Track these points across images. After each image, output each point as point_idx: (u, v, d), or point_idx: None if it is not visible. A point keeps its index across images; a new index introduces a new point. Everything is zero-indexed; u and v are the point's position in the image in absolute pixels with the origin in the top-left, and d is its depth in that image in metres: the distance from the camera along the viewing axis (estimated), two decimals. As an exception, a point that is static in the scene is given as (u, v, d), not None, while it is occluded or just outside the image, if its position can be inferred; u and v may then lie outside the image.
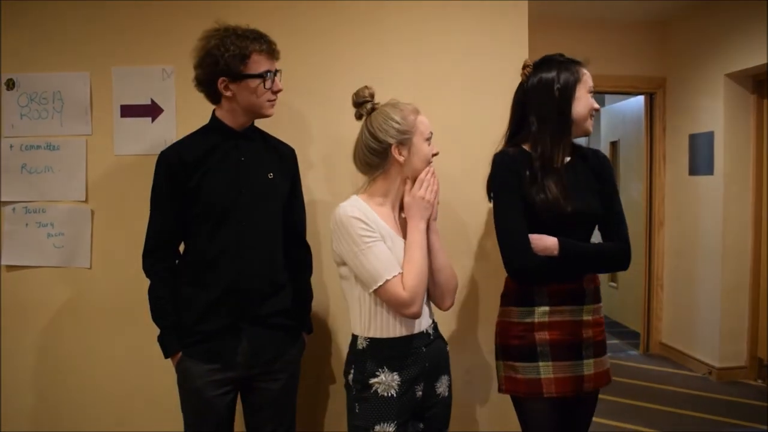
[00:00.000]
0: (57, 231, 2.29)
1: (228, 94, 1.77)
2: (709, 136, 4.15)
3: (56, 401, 2.32)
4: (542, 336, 1.74)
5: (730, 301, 4.07)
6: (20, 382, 2.31)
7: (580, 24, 4.39)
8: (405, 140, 1.62)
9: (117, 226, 2.28)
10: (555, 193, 1.69)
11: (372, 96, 1.67)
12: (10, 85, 2.27)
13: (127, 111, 2.27)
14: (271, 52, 1.79)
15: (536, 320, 1.75)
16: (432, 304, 1.76)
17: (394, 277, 1.55)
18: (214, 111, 1.87)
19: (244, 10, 2.15)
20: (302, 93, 2.25)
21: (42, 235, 2.29)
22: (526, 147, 1.78)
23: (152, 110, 2.27)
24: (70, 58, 2.27)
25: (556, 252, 1.68)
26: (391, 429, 1.58)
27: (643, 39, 4.57)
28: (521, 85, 1.82)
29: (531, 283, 1.76)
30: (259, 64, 1.76)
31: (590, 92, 1.76)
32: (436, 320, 1.77)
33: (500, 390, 1.83)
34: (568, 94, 1.73)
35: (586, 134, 1.80)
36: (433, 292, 1.73)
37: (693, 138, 4.32)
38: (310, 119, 2.29)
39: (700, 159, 4.25)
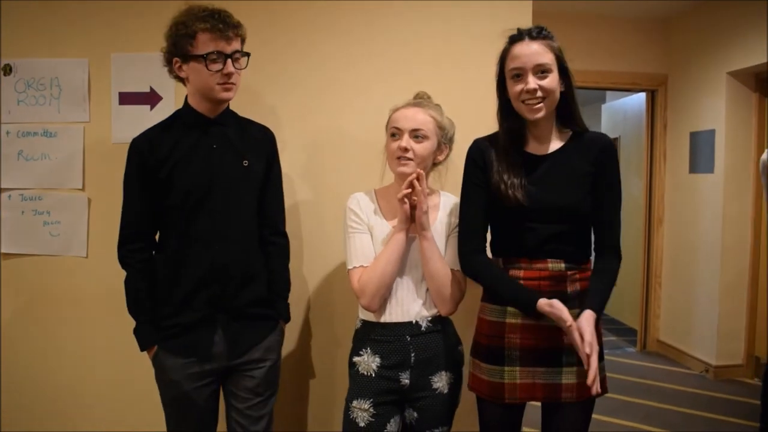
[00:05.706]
0: (53, 219, 2.27)
1: (182, 75, 1.74)
2: (710, 134, 4.13)
3: (51, 389, 2.30)
4: (513, 340, 1.62)
5: (729, 299, 4.07)
6: (15, 370, 2.29)
7: (583, 20, 4.38)
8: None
9: (114, 215, 2.19)
10: (513, 183, 1.59)
11: (427, 96, 1.85)
12: (7, 70, 2.25)
13: (126, 98, 2.25)
14: (220, 31, 1.67)
15: (507, 321, 1.62)
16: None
17: (354, 268, 1.73)
18: (186, 96, 1.81)
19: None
20: (295, 86, 2.24)
21: (38, 223, 2.27)
22: None
23: (151, 98, 2.25)
24: (69, 44, 2.24)
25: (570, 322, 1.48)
26: (365, 406, 1.70)
27: (646, 36, 4.56)
28: None
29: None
30: (205, 44, 1.67)
31: (516, 74, 1.58)
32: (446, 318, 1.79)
33: (468, 386, 1.75)
34: (500, 75, 1.66)
35: (524, 118, 1.63)
36: (431, 297, 1.74)
37: (694, 136, 4.32)
38: (307, 115, 2.27)
39: (701, 157, 4.24)
